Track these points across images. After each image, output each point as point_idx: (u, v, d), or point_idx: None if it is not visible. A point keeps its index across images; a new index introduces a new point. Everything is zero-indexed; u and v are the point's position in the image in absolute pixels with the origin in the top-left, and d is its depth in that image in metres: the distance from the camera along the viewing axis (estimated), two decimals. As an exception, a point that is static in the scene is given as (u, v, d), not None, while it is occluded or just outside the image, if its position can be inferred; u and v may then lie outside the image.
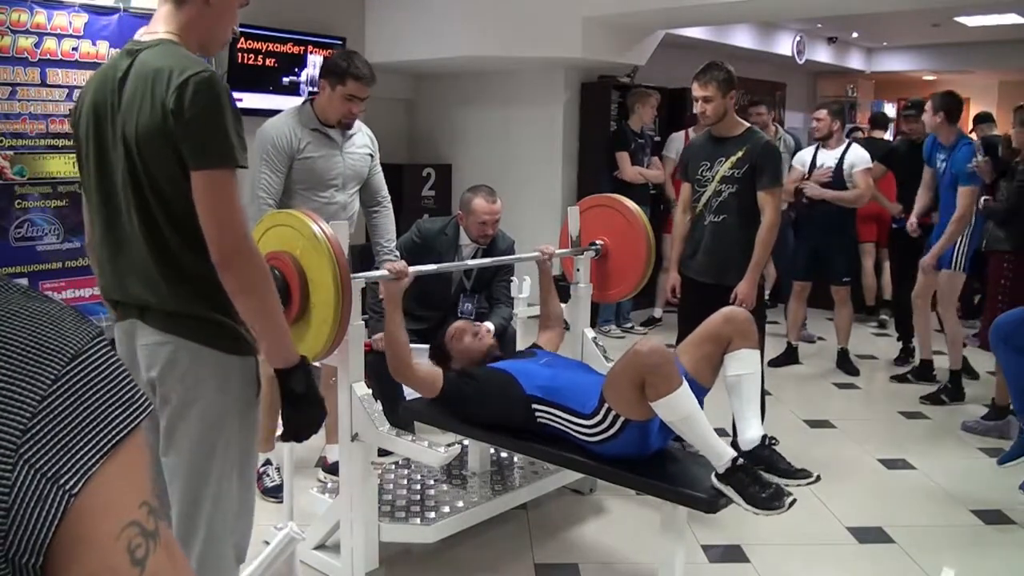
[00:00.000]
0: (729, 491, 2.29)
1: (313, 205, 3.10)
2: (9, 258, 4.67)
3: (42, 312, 0.57)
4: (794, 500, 2.28)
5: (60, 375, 0.54)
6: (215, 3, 1.69)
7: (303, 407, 1.72)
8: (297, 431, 1.75)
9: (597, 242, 3.54)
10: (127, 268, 1.68)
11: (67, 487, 0.53)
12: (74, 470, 0.53)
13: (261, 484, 3.29)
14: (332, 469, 3.33)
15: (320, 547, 2.83)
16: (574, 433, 2.57)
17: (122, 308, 1.74)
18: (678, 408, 2.33)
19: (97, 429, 0.55)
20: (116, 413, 0.56)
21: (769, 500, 2.26)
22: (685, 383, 2.34)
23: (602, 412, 2.47)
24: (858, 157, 5.10)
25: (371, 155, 3.41)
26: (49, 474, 0.52)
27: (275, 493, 3.27)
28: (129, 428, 0.57)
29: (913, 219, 4.93)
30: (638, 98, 6.04)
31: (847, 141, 5.25)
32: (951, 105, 4.61)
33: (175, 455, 1.67)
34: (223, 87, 1.60)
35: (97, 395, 0.56)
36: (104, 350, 0.58)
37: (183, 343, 1.64)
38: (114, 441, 0.56)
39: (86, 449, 0.54)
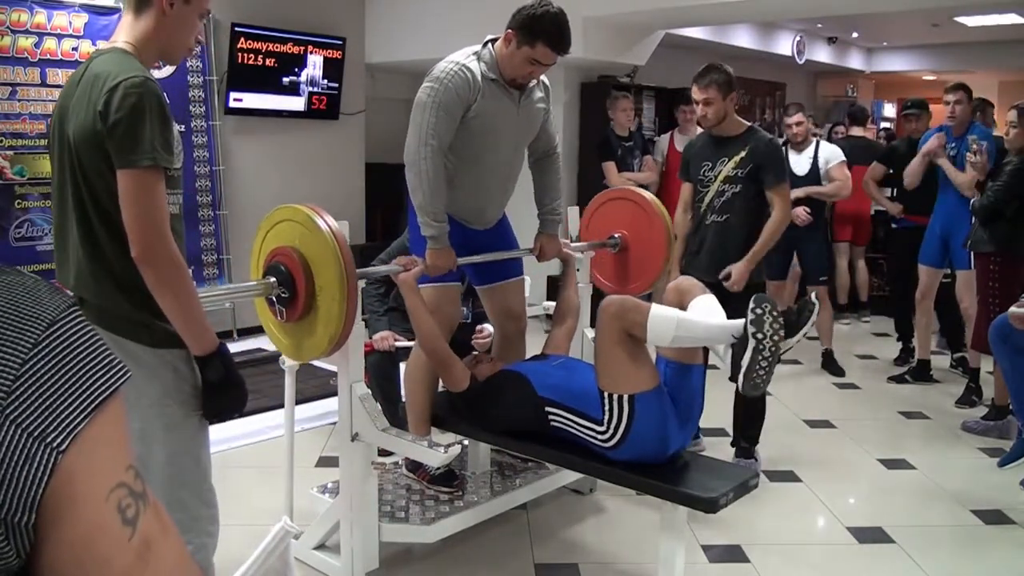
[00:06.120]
0: (758, 330, 2.31)
1: (478, 166, 2.82)
2: (9, 258, 4.67)
3: (17, 283, 0.58)
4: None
5: (39, 340, 0.56)
6: (172, 14, 1.77)
7: (220, 392, 1.82)
8: (215, 414, 1.85)
9: (616, 235, 3.47)
10: (68, 261, 1.80)
11: (54, 444, 0.54)
12: (60, 428, 0.55)
13: (426, 474, 3.03)
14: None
15: (320, 547, 2.84)
16: (589, 439, 2.51)
17: None
18: (666, 321, 2.37)
19: (80, 389, 0.56)
20: (98, 375, 0.58)
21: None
22: (651, 303, 2.44)
23: (607, 409, 2.44)
24: (831, 152, 5.21)
25: (546, 108, 2.98)
26: (36, 432, 0.53)
27: (445, 481, 3.01)
28: (111, 390, 0.58)
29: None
30: (611, 102, 6.01)
31: (815, 140, 5.30)
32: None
33: None
34: (152, 92, 1.68)
35: (77, 358, 0.57)
36: (79, 318, 0.59)
37: (110, 337, 1.72)
38: (97, 401, 0.57)
39: (71, 408, 0.55)
